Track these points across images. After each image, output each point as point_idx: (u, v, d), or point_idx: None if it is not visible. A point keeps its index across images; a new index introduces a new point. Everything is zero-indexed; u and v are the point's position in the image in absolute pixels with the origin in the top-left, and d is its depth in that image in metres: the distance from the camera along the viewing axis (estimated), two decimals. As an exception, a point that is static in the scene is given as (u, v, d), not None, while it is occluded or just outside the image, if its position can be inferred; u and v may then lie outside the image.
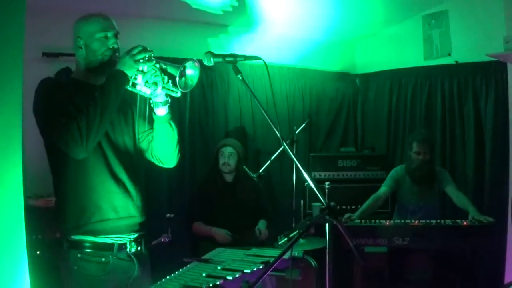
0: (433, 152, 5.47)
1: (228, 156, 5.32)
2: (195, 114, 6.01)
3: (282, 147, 2.68)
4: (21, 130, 2.15)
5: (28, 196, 2.62)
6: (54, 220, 2.99)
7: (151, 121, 3.03)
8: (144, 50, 2.79)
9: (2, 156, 2.09)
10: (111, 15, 3.01)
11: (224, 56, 2.77)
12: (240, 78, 2.72)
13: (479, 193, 5.88)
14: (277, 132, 2.59)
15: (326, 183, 5.19)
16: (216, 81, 6.19)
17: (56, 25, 4.48)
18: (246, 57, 2.81)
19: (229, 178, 5.40)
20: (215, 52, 2.75)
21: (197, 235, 5.26)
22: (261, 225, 5.33)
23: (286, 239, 2.55)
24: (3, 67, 2.09)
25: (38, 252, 4.17)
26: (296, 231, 2.47)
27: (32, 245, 2.46)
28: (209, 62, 2.76)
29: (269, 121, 2.63)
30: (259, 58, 2.87)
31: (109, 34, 2.89)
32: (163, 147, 3.08)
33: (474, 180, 6.00)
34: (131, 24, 4.72)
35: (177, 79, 2.66)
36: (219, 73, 6.14)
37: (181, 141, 3.25)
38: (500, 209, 5.30)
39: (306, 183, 2.45)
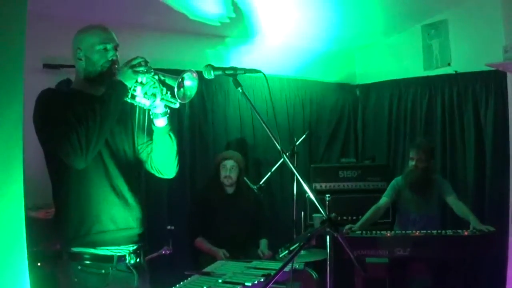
0: (431, 161, 5.46)
1: (230, 169, 5.34)
2: (195, 125, 6.01)
3: (282, 159, 2.67)
4: (22, 141, 2.15)
5: (28, 207, 2.61)
6: (53, 231, 2.99)
7: (150, 132, 3.02)
8: (143, 61, 2.80)
9: (3, 167, 2.08)
10: (110, 25, 3.02)
11: (224, 69, 2.78)
12: (241, 91, 2.72)
13: (479, 202, 5.87)
14: (277, 145, 2.59)
15: (327, 195, 5.18)
16: (216, 91, 6.21)
17: (56, 36, 4.47)
18: (246, 70, 2.82)
19: (230, 190, 5.41)
20: (215, 63, 2.76)
21: (199, 249, 5.26)
22: (263, 246, 5.36)
23: (287, 251, 2.55)
24: (4, 78, 2.09)
25: (39, 264, 4.16)
26: (297, 244, 2.47)
27: (32, 256, 2.46)
28: (209, 75, 2.77)
29: (269, 133, 2.63)
30: (259, 71, 2.87)
31: (109, 46, 2.90)
32: (162, 158, 3.07)
33: (475, 189, 5.99)
34: (130, 34, 4.72)
35: (176, 90, 2.67)
36: (219, 83, 6.15)
37: (181, 152, 3.24)
38: (500, 217, 5.29)
39: (306, 194, 2.45)
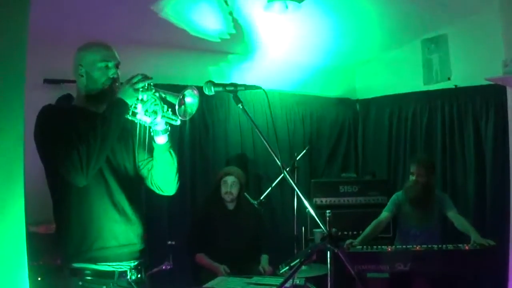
0: (431, 176, 5.46)
1: (230, 185, 5.33)
2: (195, 139, 6.03)
3: (283, 175, 2.68)
4: (23, 156, 2.15)
5: (28, 222, 2.61)
6: (54, 247, 2.99)
7: (151, 150, 3.03)
8: (144, 79, 2.81)
9: (4, 182, 2.09)
10: (111, 42, 3.03)
11: (224, 85, 2.79)
12: (241, 107, 2.74)
13: (480, 216, 5.86)
14: (277, 161, 2.60)
15: (327, 211, 5.19)
16: (216, 106, 6.23)
17: (57, 51, 4.49)
18: (246, 87, 2.83)
19: (230, 206, 5.41)
20: (215, 78, 2.79)
21: (200, 265, 5.25)
22: (264, 261, 5.35)
23: (287, 267, 2.55)
24: (5, 93, 2.10)
25: (39, 279, 4.16)
26: (298, 260, 2.47)
27: (32, 271, 2.46)
28: (209, 91, 2.79)
29: (269, 149, 2.64)
30: (259, 88, 2.89)
31: (110, 64, 2.92)
32: (162, 175, 3.07)
33: (475, 203, 5.98)
34: (131, 50, 4.72)
35: (177, 107, 2.68)
36: (219, 98, 6.17)
37: (182, 167, 3.25)
38: (501, 231, 5.27)
39: (307, 209, 2.45)
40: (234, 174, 5.40)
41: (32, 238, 2.55)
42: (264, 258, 5.38)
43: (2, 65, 2.09)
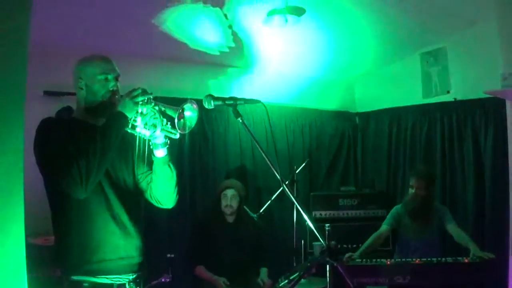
0: (431, 189, 5.46)
1: (230, 198, 5.33)
2: (195, 152, 6.03)
3: (282, 188, 2.68)
4: (23, 168, 2.15)
5: (27, 234, 2.60)
6: (53, 258, 2.99)
7: (150, 163, 3.04)
8: (144, 92, 2.82)
9: (4, 194, 2.09)
10: (111, 54, 3.04)
11: (224, 99, 2.80)
12: (240, 121, 2.74)
13: (479, 229, 5.85)
14: (277, 174, 2.61)
15: (327, 224, 5.19)
16: (216, 119, 6.23)
17: (57, 63, 4.50)
18: (246, 101, 2.84)
19: (230, 219, 5.41)
20: (214, 92, 2.80)
21: (199, 278, 5.24)
22: (263, 274, 5.35)
23: (286, 281, 2.55)
24: (5, 105, 2.10)
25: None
26: (297, 273, 2.47)
27: (32, 283, 2.45)
28: (209, 105, 2.80)
29: (269, 163, 2.64)
30: (259, 102, 2.89)
31: (110, 77, 2.93)
32: (161, 189, 3.08)
33: (475, 216, 5.97)
34: (132, 63, 4.75)
35: (176, 121, 2.69)
36: (219, 111, 6.17)
37: (181, 180, 3.25)
38: (500, 244, 5.26)
39: (306, 222, 2.46)
40: (234, 187, 5.40)
41: (32, 250, 2.55)
42: (264, 271, 5.37)
43: (3, 77, 2.10)
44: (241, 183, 5.56)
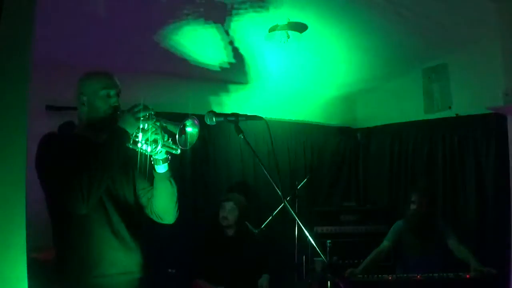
0: (432, 205, 5.45)
1: (228, 210, 5.33)
2: (196, 167, 6.04)
3: (283, 204, 2.68)
4: (24, 183, 2.15)
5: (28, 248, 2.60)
6: (53, 273, 2.98)
7: (151, 178, 3.04)
8: (145, 108, 2.82)
9: (6, 209, 2.08)
10: (113, 70, 3.05)
11: (226, 115, 2.80)
12: (242, 137, 2.74)
13: (481, 245, 5.83)
14: (278, 191, 2.60)
15: (328, 241, 5.18)
16: (217, 135, 6.24)
17: (59, 78, 4.52)
18: (248, 117, 2.85)
19: (230, 232, 5.39)
20: (215, 108, 2.79)
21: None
22: (264, 280, 5.30)
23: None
24: (8, 120, 2.10)
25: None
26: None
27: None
28: (211, 121, 2.81)
29: (270, 180, 2.64)
30: (261, 119, 2.90)
31: (111, 93, 2.94)
32: (162, 204, 3.07)
33: (476, 232, 5.95)
34: (133, 79, 4.75)
35: (177, 137, 2.69)
36: (220, 126, 6.16)
37: (183, 195, 3.24)
38: (502, 260, 5.25)
39: (308, 238, 2.45)
40: (232, 200, 5.39)
41: (32, 264, 2.54)
42: (265, 277, 5.33)
43: (5, 92, 2.10)
44: (242, 198, 5.55)
